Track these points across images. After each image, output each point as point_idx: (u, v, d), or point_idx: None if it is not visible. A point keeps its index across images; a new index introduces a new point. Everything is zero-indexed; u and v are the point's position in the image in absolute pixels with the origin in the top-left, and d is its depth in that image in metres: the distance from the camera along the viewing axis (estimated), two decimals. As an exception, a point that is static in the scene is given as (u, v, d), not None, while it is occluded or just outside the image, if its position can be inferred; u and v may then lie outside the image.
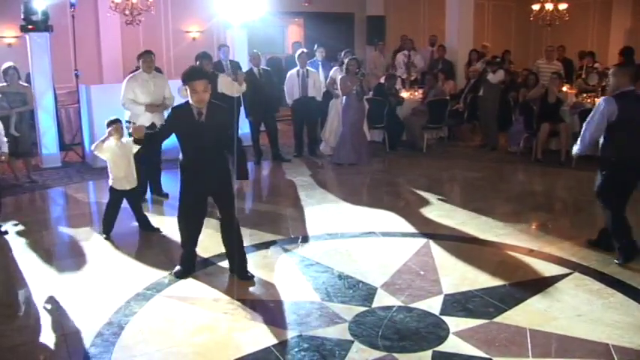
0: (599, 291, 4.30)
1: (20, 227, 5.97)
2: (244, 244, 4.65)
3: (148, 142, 4.70)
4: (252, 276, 4.57)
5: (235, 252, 4.59)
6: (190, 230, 4.64)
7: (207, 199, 4.61)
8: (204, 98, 4.26)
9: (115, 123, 5.49)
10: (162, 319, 3.96)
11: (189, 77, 4.26)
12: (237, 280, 4.53)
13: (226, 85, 7.02)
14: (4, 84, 7.58)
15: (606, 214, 4.95)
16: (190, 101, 4.30)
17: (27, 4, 8.27)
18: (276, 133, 9.03)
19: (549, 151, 8.92)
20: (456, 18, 12.09)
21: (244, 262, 4.61)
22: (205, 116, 4.30)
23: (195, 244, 4.70)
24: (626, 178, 4.83)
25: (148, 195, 6.86)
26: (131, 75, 6.82)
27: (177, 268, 4.64)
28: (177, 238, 4.89)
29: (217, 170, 4.44)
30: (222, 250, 4.70)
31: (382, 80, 10.08)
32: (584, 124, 4.94)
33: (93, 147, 5.58)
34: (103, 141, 5.42)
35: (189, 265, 4.66)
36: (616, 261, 4.79)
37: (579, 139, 4.99)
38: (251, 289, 4.47)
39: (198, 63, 6.87)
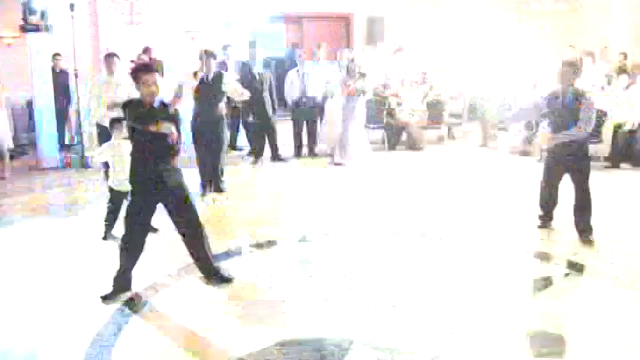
0: (599, 291, 4.31)
1: (19, 227, 5.97)
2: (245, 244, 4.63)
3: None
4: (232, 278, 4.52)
5: (209, 258, 4.52)
6: (138, 240, 4.35)
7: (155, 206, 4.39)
8: (155, 91, 4.22)
9: (118, 122, 5.49)
10: (161, 319, 3.96)
11: (140, 70, 4.25)
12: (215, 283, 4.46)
13: (230, 87, 6.89)
14: None
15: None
16: (141, 94, 4.20)
17: (27, 4, 8.27)
18: (274, 134, 9.04)
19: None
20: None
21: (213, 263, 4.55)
22: (157, 109, 4.19)
23: (136, 260, 4.36)
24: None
25: None
26: (92, 80, 6.69)
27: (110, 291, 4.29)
28: (176, 238, 4.80)
29: (168, 170, 4.28)
30: (222, 250, 4.68)
31: (382, 80, 10.08)
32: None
33: (89, 155, 5.54)
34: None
35: (126, 283, 4.37)
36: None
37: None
38: (251, 289, 4.47)
39: (202, 61, 6.81)
